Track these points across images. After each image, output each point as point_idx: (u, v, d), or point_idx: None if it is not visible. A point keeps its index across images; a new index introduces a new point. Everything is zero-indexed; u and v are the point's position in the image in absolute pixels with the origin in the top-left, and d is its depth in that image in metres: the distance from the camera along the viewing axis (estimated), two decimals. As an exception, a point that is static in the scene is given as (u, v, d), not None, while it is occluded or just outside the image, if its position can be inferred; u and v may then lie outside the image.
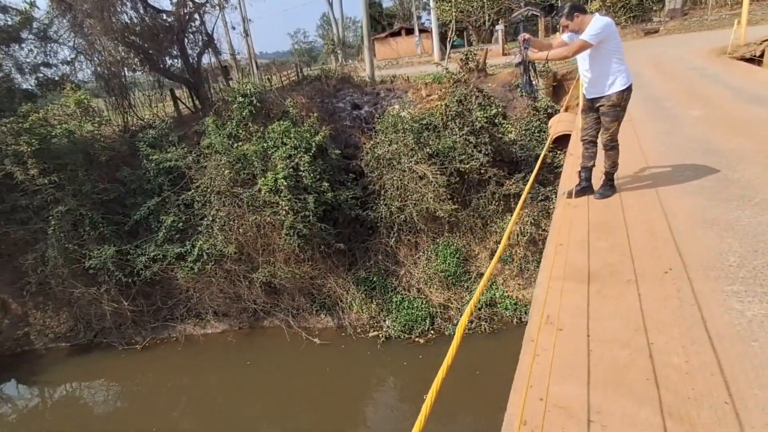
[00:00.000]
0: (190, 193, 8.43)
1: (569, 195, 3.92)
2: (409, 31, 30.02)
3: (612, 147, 3.52)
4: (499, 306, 7.67)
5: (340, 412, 6.60)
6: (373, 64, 12.59)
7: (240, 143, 8.72)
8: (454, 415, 6.39)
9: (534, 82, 3.70)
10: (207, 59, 12.66)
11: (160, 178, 8.65)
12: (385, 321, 7.78)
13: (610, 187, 3.74)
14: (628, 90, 3.34)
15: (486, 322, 7.50)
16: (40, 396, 7.70)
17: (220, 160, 8.44)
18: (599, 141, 3.61)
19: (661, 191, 3.70)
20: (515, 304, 7.61)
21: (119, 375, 7.83)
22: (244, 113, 8.75)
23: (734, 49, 9.41)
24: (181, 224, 8.28)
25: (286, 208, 7.69)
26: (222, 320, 8.31)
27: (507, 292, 7.76)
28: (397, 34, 30.78)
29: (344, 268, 8.19)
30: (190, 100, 12.28)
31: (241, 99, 8.74)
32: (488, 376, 6.96)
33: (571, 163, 5.17)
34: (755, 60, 8.94)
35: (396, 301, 7.84)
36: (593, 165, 3.82)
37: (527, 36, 3.41)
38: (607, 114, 3.40)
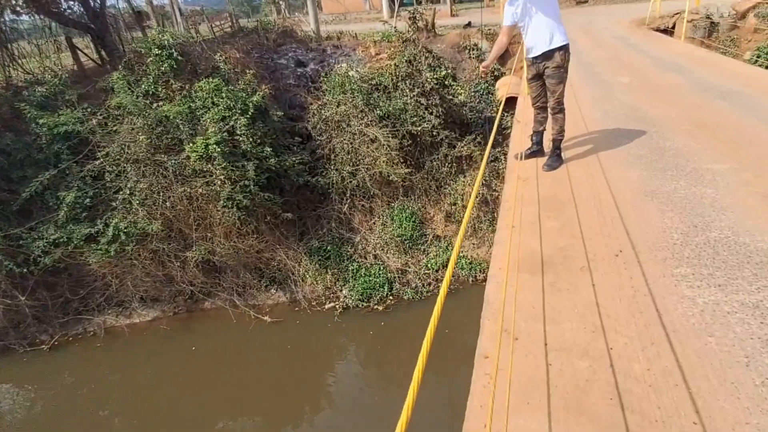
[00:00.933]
0: (97, 162, 6.95)
1: (520, 157, 4.08)
2: (359, -14, 28.42)
3: (559, 110, 3.53)
4: (455, 266, 7.58)
5: (300, 389, 6.05)
6: (317, 17, 11.55)
7: (160, 103, 7.39)
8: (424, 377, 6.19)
9: None
10: (116, 2, 10.56)
11: (55, 146, 6.99)
12: (341, 291, 7.27)
13: (557, 157, 3.78)
14: (567, 51, 3.38)
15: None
16: None
17: (135, 123, 7.07)
18: (549, 108, 3.62)
19: (603, 160, 3.81)
20: (470, 263, 7.58)
21: (26, 379, 6.33)
22: (162, 68, 7.39)
23: (651, 20, 10.19)
24: (88, 200, 6.81)
25: (222, 177, 6.70)
26: (151, 306, 7.12)
27: (462, 252, 7.69)
28: (346, -12, 29.05)
29: (295, 239, 7.46)
30: (95, 51, 10.16)
31: (157, 51, 7.36)
32: (453, 335, 6.89)
33: (519, 130, 5.23)
34: (668, 31, 9.78)
35: (352, 270, 7.37)
36: (544, 129, 3.88)
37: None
38: (552, 76, 3.39)
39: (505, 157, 8.08)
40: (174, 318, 7.08)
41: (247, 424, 5.69)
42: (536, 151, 4.06)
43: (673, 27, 9.64)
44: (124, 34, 10.30)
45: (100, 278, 6.91)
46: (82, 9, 9.13)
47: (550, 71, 3.36)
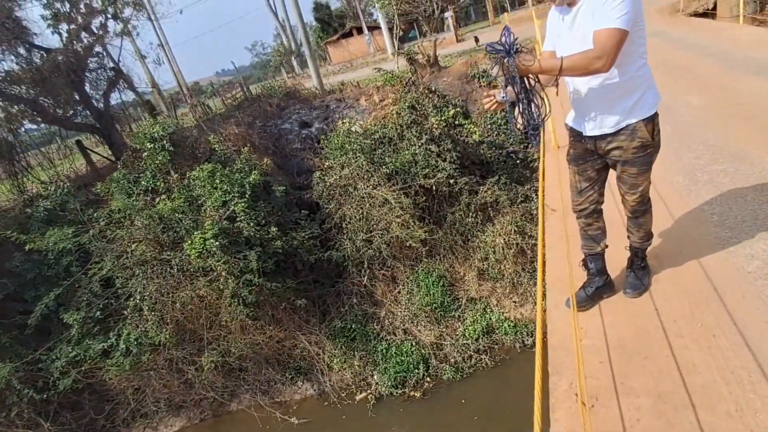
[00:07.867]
0: (104, 271, 6.24)
1: (578, 306, 2.04)
2: (361, 30, 26.62)
3: (644, 211, 1.94)
4: (497, 332, 6.15)
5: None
6: (318, 71, 10.62)
7: (162, 196, 6.61)
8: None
9: (537, 115, 1.66)
10: (122, 97, 10.12)
11: (64, 260, 6.37)
12: (372, 376, 6.07)
13: (642, 270, 2.11)
14: (656, 117, 1.73)
15: (486, 354, 5.98)
16: None
17: (135, 224, 6.31)
18: (625, 207, 1.97)
19: (712, 272, 2.05)
20: (515, 326, 6.13)
21: None
22: (157, 161, 6.61)
23: (686, 4, 8.21)
24: (98, 313, 6.09)
25: (224, 273, 5.72)
26: (178, 414, 6.25)
27: (503, 314, 6.27)
28: (349, 34, 27.46)
29: (316, 320, 6.36)
30: (108, 149, 9.73)
31: (150, 144, 6.59)
32: (503, 415, 5.51)
33: (554, 222, 2.94)
34: (708, 14, 7.79)
35: (381, 350, 6.14)
36: (605, 248, 2.10)
37: (510, 35, 1.54)
38: (634, 162, 1.75)
39: (536, 195, 6.57)
40: (201, 425, 6.17)
41: None
42: (601, 286, 2.15)
43: (714, 8, 7.63)
44: (133, 126, 9.81)
45: (122, 392, 6.15)
46: (87, 111, 8.64)
47: (630, 155, 1.73)
